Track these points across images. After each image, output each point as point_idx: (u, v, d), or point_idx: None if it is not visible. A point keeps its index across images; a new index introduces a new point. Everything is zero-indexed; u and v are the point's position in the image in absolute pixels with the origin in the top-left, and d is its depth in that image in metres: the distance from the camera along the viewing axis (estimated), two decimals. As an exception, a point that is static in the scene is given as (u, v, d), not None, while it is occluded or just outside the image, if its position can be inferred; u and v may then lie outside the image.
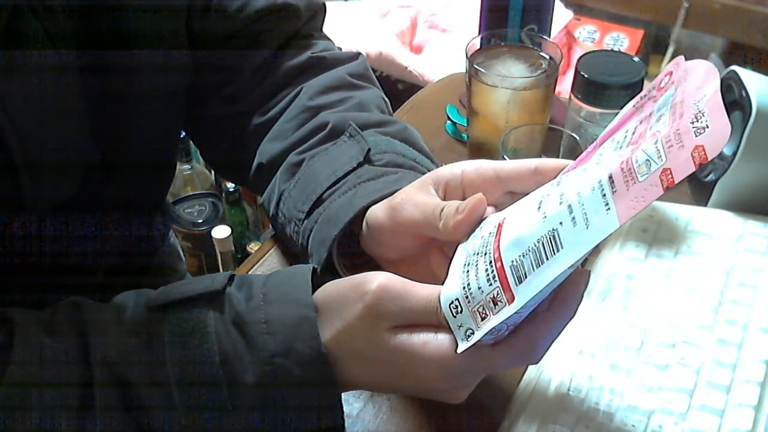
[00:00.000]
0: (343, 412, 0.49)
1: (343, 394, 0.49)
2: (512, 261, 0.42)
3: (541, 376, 0.55)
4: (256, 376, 0.47)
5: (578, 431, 0.52)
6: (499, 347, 0.45)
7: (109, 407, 0.46)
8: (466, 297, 0.44)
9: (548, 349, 0.46)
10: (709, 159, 0.36)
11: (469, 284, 0.44)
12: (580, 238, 0.39)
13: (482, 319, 0.43)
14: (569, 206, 0.40)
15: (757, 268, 0.62)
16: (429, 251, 0.54)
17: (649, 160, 0.38)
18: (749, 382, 0.54)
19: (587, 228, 0.39)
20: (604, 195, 0.39)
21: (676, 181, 0.37)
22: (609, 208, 0.39)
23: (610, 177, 0.39)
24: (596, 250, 0.64)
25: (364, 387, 0.52)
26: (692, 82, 0.41)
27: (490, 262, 0.43)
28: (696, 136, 0.37)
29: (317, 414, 0.48)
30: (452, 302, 0.44)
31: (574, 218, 0.40)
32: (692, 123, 0.37)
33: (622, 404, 0.53)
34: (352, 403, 0.56)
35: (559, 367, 0.56)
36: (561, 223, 0.40)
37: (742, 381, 0.54)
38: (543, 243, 0.41)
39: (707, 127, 0.37)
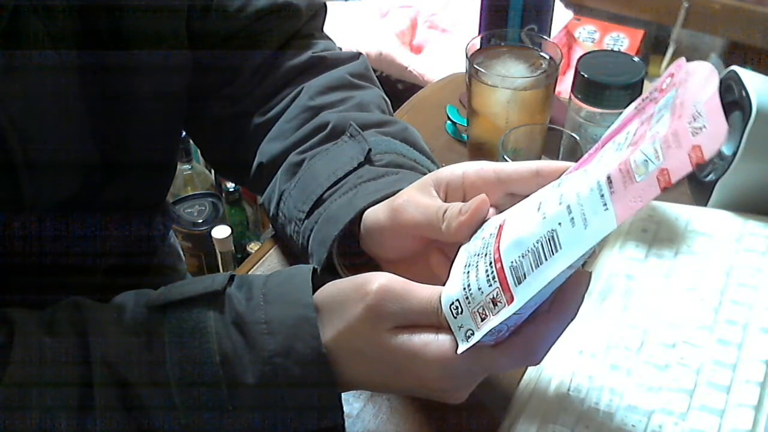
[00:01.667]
0: (343, 412, 0.49)
1: (343, 394, 0.49)
2: (512, 262, 0.42)
3: (541, 376, 0.55)
4: (256, 376, 0.47)
5: (578, 431, 0.52)
6: (500, 348, 0.45)
7: (108, 407, 0.46)
8: (467, 298, 0.44)
9: (549, 350, 0.46)
10: (706, 159, 0.36)
11: (469, 285, 0.44)
12: (578, 239, 0.40)
13: (482, 319, 0.43)
14: (568, 207, 0.41)
15: (757, 268, 0.62)
16: (429, 251, 0.54)
17: (647, 161, 0.38)
18: (749, 382, 0.54)
19: (585, 228, 0.39)
20: (603, 195, 0.39)
21: (673, 182, 0.37)
22: (607, 209, 0.39)
23: (609, 177, 0.39)
24: (595, 251, 0.64)
25: (364, 387, 0.52)
26: (693, 84, 0.41)
27: (490, 263, 0.44)
28: (693, 136, 0.37)
29: (317, 414, 0.48)
30: (453, 303, 0.45)
31: (572, 219, 0.40)
32: (689, 123, 0.37)
33: (622, 404, 0.53)
34: (352, 403, 0.56)
35: (559, 367, 0.56)
36: (560, 223, 0.40)
37: (742, 381, 0.54)
38: (542, 243, 0.41)
39: (704, 127, 0.37)
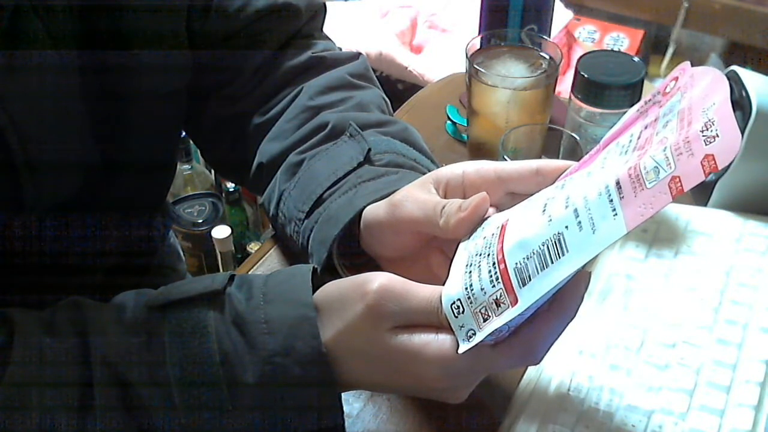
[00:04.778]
0: (343, 412, 0.49)
1: (343, 394, 0.49)
2: (516, 263, 0.42)
3: (541, 376, 0.55)
4: (256, 376, 0.47)
5: (578, 431, 0.52)
6: (500, 348, 0.45)
7: (109, 407, 0.46)
8: (468, 298, 0.44)
9: (549, 350, 0.46)
10: (719, 168, 0.36)
11: (471, 285, 0.44)
12: (586, 243, 0.39)
13: (484, 320, 0.43)
14: (575, 210, 0.40)
15: (757, 268, 0.62)
16: (429, 251, 0.54)
17: (657, 167, 0.38)
18: (749, 382, 0.54)
19: (594, 233, 0.39)
20: (611, 200, 0.39)
21: (685, 190, 0.37)
22: (616, 214, 0.38)
23: (618, 182, 0.39)
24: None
25: (364, 387, 0.52)
26: (699, 89, 0.41)
27: (494, 263, 0.43)
28: (706, 144, 0.37)
29: (317, 414, 0.48)
30: (454, 302, 0.44)
31: (580, 222, 0.40)
32: (702, 131, 0.37)
33: (622, 404, 0.53)
34: (352, 403, 0.56)
35: (559, 367, 0.56)
36: (567, 227, 0.40)
37: (742, 381, 0.54)
38: (548, 246, 0.41)
39: (717, 136, 0.37)
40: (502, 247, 0.43)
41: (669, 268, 0.63)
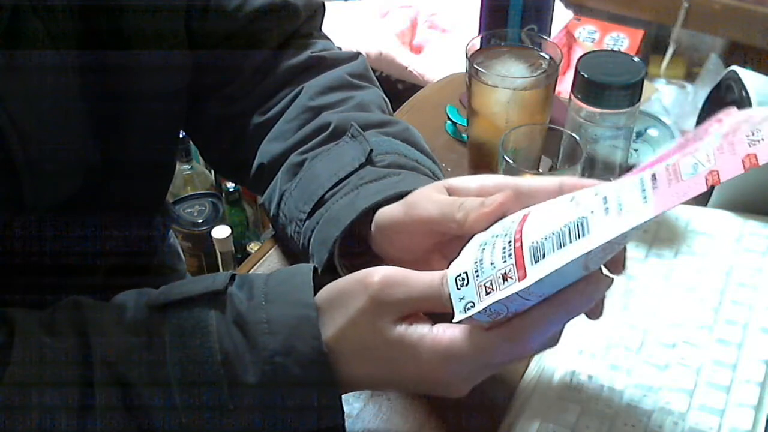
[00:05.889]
0: (343, 412, 0.49)
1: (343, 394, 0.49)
2: (533, 242, 0.42)
3: (542, 375, 0.55)
4: (257, 376, 0.47)
5: (578, 431, 0.52)
6: (496, 330, 0.44)
7: (109, 407, 0.46)
8: (476, 271, 0.44)
9: (544, 337, 0.45)
10: (760, 165, 0.37)
11: (482, 260, 0.44)
12: (608, 225, 0.39)
13: (487, 293, 0.43)
14: (605, 198, 0.41)
15: (757, 268, 0.62)
16: (437, 257, 0.54)
17: (696, 164, 0.38)
18: (749, 382, 0.54)
19: (619, 215, 0.39)
20: (644, 189, 0.39)
21: (721, 181, 0.37)
22: (646, 200, 0.39)
23: (653, 176, 0.39)
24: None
25: (365, 385, 0.52)
26: (742, 116, 0.42)
27: (510, 242, 0.43)
28: (750, 146, 0.38)
29: (317, 414, 0.48)
30: (460, 275, 0.44)
31: (607, 208, 0.40)
32: (747, 136, 0.38)
33: (622, 404, 0.53)
34: (352, 403, 0.56)
35: (559, 367, 0.56)
36: (593, 211, 0.40)
37: (742, 381, 0.54)
38: (569, 228, 0.41)
39: (763, 139, 0.37)
40: (521, 228, 0.44)
41: (669, 268, 0.63)
